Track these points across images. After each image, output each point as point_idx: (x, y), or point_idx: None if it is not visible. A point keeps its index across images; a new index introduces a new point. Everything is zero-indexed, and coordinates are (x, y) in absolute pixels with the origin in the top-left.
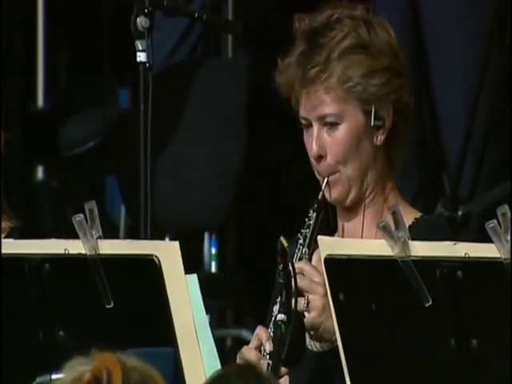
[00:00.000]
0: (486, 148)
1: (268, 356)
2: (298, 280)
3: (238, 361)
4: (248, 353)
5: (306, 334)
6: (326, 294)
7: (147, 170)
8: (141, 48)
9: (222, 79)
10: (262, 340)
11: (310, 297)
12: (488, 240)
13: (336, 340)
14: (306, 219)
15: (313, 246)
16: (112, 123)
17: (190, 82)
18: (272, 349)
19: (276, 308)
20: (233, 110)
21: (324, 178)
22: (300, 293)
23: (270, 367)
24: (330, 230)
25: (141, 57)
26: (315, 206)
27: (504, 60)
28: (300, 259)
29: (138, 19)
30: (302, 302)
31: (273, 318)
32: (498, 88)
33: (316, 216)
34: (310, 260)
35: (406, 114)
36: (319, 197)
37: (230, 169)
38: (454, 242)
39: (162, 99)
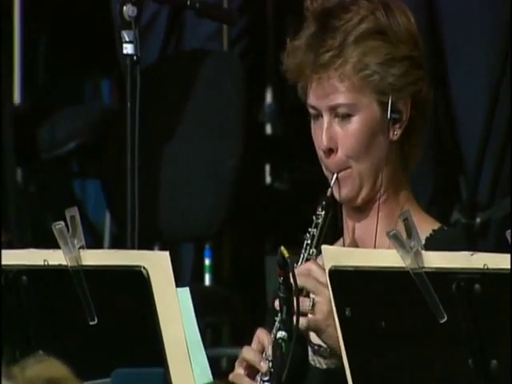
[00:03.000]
0: (506, 149)
1: (270, 363)
2: (303, 280)
3: (236, 365)
4: (247, 353)
5: (309, 349)
6: None
7: (134, 173)
8: (127, 39)
9: (217, 74)
10: (264, 344)
11: (317, 299)
12: (509, 250)
13: (339, 349)
14: (314, 217)
15: (321, 246)
16: (96, 122)
17: (180, 77)
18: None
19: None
20: (229, 109)
21: (333, 174)
22: (306, 293)
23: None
24: (337, 233)
25: (127, 49)
26: (324, 203)
27: None
28: (307, 261)
29: (124, 8)
30: (306, 302)
31: (275, 324)
32: None
33: (325, 214)
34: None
35: (424, 109)
36: (328, 194)
37: (225, 173)
38: (471, 253)
39: (150, 96)
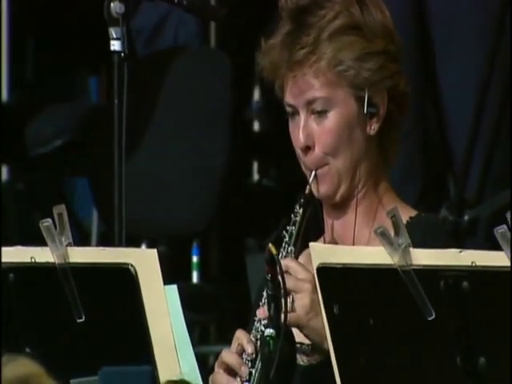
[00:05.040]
0: (495, 147)
1: (250, 363)
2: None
3: (216, 367)
4: (227, 357)
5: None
6: (313, 291)
7: (121, 170)
8: (115, 36)
9: (204, 72)
10: (243, 342)
11: (297, 296)
12: (497, 247)
13: (326, 345)
14: (292, 215)
15: (299, 244)
16: (83, 119)
17: (168, 74)
18: (254, 356)
19: (259, 312)
20: (216, 105)
21: (311, 172)
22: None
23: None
24: (319, 230)
25: (115, 46)
26: (302, 201)
27: None
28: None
29: (111, 4)
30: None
31: (255, 324)
32: (508, 84)
33: (303, 212)
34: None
35: (401, 103)
36: (306, 191)
37: (213, 170)
38: (459, 250)
39: (137, 93)
